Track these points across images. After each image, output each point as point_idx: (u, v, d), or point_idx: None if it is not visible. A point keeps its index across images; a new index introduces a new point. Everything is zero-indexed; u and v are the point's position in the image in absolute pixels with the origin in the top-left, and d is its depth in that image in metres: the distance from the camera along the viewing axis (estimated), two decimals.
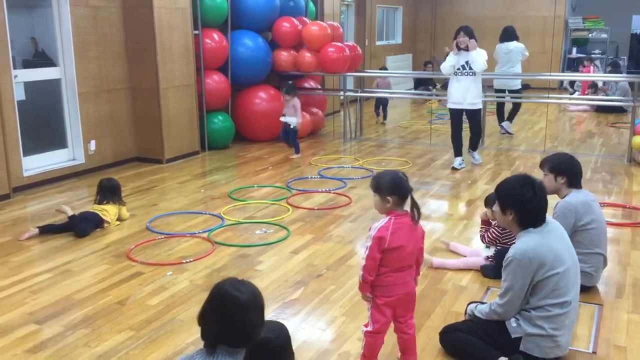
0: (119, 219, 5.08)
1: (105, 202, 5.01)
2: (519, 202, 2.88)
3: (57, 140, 6.64)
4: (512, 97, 9.13)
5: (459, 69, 6.68)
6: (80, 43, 6.53)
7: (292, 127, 7.47)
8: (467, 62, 6.63)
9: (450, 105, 6.88)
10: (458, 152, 6.96)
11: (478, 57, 6.61)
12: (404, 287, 2.71)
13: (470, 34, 6.60)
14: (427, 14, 16.31)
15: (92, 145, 6.76)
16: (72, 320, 3.38)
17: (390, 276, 2.64)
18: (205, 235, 4.75)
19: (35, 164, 6.27)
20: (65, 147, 6.68)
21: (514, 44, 8.89)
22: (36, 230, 4.71)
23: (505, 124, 9.24)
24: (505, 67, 8.95)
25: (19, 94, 6.02)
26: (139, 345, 3.13)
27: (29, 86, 6.21)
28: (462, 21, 6.78)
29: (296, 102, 7.49)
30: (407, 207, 2.70)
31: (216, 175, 6.86)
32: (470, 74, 6.62)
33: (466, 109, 6.80)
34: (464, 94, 6.68)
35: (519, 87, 9.15)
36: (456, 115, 6.89)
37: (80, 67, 6.56)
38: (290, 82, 7.69)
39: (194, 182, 6.46)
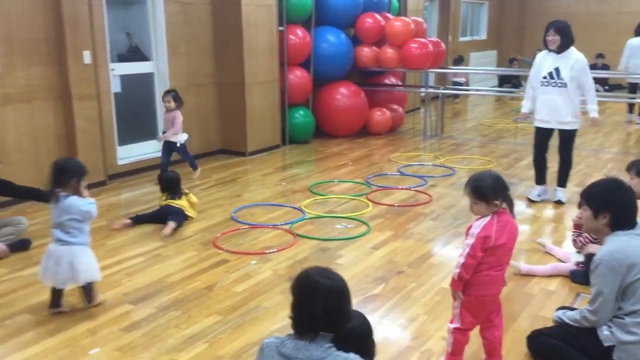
0: (192, 206, 5.15)
1: (178, 196, 5.05)
2: (616, 206, 2.78)
3: (149, 131, 6.96)
4: None
5: (545, 77, 5.21)
6: (172, 39, 6.82)
7: (179, 145, 6.20)
8: (556, 69, 5.14)
9: (536, 123, 5.44)
10: (540, 179, 5.60)
11: (580, 66, 5.11)
12: (496, 287, 2.68)
13: (563, 32, 5.11)
14: (514, 9, 15.82)
15: (183, 137, 7.02)
16: (163, 303, 3.55)
17: (487, 275, 2.62)
18: (287, 227, 4.85)
19: (129, 154, 6.60)
20: (156, 138, 6.99)
21: None
22: (129, 222, 4.87)
23: (633, 116, 9.27)
24: (639, 60, 8.85)
25: (115, 86, 6.36)
26: (226, 329, 3.24)
27: (124, 79, 6.55)
28: (552, 17, 6.28)
29: (177, 115, 6.11)
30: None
31: (297, 169, 6.97)
32: (560, 84, 5.15)
33: (553, 129, 5.38)
34: (551, 110, 5.23)
35: None
36: (541, 135, 5.44)
37: (172, 62, 6.85)
38: (173, 90, 6.23)
39: (276, 175, 6.60)
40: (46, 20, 5.52)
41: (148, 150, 6.86)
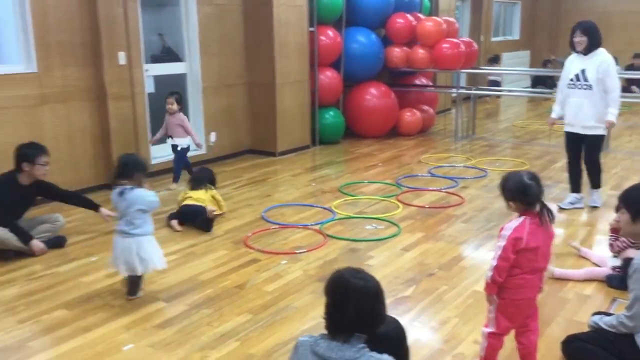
0: (217, 202, 5.15)
1: (198, 188, 5.11)
2: None
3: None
4: None
5: (572, 79, 5.06)
6: (204, 39, 6.89)
7: (179, 148, 5.98)
8: (582, 71, 4.99)
9: (565, 128, 5.34)
10: (574, 187, 5.40)
11: (605, 67, 4.90)
12: (532, 291, 2.64)
13: (589, 32, 4.93)
14: (548, 8, 15.57)
15: (213, 136, 7.13)
16: (195, 300, 3.60)
17: (522, 278, 2.57)
18: (317, 227, 4.85)
19: (162, 153, 6.68)
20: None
21: None
22: (176, 221, 4.90)
23: None
24: None
25: (149, 87, 6.45)
26: (257, 328, 3.27)
27: (158, 80, 6.63)
28: (586, 16, 6.10)
29: (183, 118, 5.97)
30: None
31: (326, 169, 6.98)
32: (585, 87, 4.97)
33: (579, 134, 5.17)
34: (577, 113, 5.07)
35: None
36: (569, 140, 5.29)
37: (204, 63, 6.92)
38: (177, 92, 6.06)
39: (305, 176, 6.61)
40: (83, 22, 5.64)
41: None
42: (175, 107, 5.86)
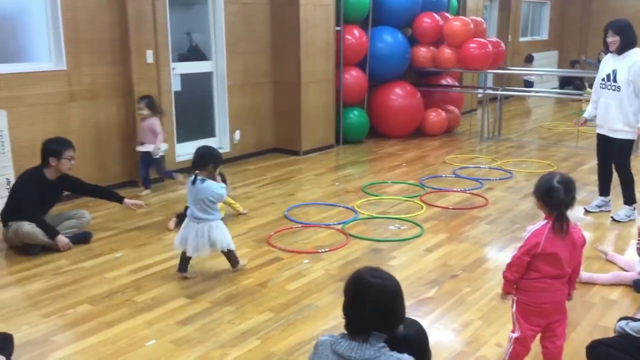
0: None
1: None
2: None
3: (206, 129, 7.10)
4: None
5: (603, 79, 4.91)
6: (230, 38, 6.93)
7: (156, 157, 5.69)
8: (613, 72, 4.81)
9: (596, 129, 5.16)
10: (602, 190, 5.24)
11: (636, 68, 4.68)
12: (558, 295, 2.59)
13: (622, 31, 4.74)
14: (578, 8, 15.30)
15: (237, 135, 7.17)
16: (218, 298, 3.62)
17: (544, 282, 2.54)
18: (339, 227, 4.84)
19: (187, 151, 6.72)
20: (213, 135, 7.14)
21: None
22: (176, 219, 4.83)
23: None
24: None
25: (176, 85, 6.52)
26: (279, 326, 3.27)
27: (184, 78, 6.69)
28: (618, 16, 5.93)
29: (154, 122, 5.66)
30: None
31: (350, 169, 6.96)
32: (614, 87, 4.80)
33: (607, 136, 4.99)
34: (605, 114, 4.91)
35: None
36: (600, 142, 5.12)
37: (230, 62, 6.96)
38: (147, 97, 5.73)
39: (329, 175, 6.61)
40: (111, 20, 5.71)
41: None
42: (145, 112, 5.61)
